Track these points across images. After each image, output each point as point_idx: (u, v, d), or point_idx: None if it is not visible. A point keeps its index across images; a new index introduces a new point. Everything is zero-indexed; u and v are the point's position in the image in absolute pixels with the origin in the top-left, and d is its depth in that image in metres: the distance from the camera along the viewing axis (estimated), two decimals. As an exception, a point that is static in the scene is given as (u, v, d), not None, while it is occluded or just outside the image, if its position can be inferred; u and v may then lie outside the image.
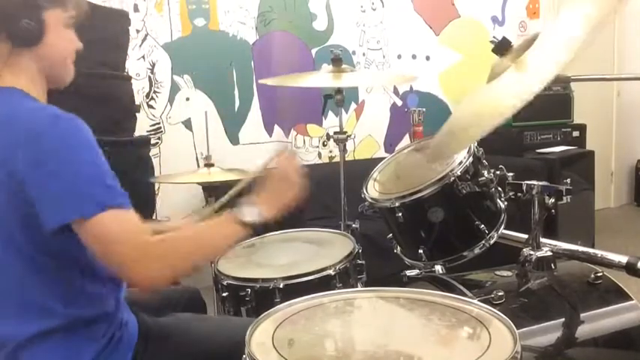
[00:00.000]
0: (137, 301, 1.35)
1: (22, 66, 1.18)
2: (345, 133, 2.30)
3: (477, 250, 1.66)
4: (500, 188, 1.71)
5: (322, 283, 1.62)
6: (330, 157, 3.89)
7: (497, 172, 1.70)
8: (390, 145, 4.08)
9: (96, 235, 1.06)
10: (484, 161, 1.69)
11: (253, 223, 1.23)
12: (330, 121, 3.75)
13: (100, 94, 2.28)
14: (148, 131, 3.29)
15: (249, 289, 1.63)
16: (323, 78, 2.26)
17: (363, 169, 1.92)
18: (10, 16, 1.14)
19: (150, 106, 3.34)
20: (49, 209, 1.05)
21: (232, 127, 3.59)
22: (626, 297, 1.53)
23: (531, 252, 1.63)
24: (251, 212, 1.24)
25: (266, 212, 1.27)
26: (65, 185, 1.05)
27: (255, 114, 3.64)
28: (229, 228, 1.22)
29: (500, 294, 1.41)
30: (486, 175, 1.65)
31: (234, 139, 3.60)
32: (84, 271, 1.17)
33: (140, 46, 3.28)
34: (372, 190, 1.79)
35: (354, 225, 2.15)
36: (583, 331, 1.48)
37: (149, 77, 3.33)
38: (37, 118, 1.09)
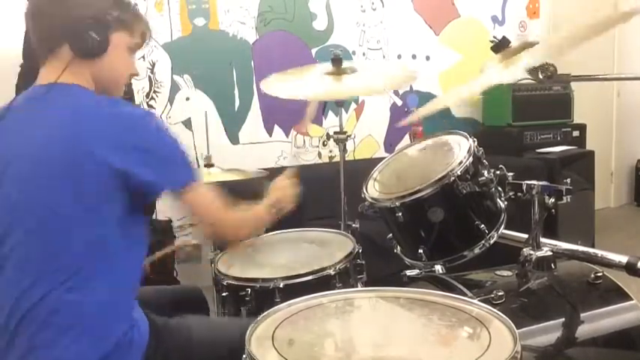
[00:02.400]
0: (145, 300, 1.35)
1: (81, 73, 1.27)
2: (345, 133, 2.30)
3: (477, 250, 1.66)
4: (500, 188, 1.71)
5: (322, 283, 1.62)
6: (330, 157, 3.89)
7: (497, 172, 1.70)
8: (390, 145, 4.08)
9: (194, 199, 1.28)
10: (484, 161, 1.69)
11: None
12: (330, 121, 3.75)
13: (100, 94, 2.29)
14: (148, 131, 3.28)
15: (249, 289, 1.63)
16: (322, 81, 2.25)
17: (363, 169, 1.92)
18: (79, 27, 1.23)
19: (150, 106, 3.34)
20: (161, 178, 1.21)
21: (232, 127, 3.59)
22: (626, 297, 1.53)
23: (531, 252, 1.63)
24: None
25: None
26: (171, 160, 1.24)
27: (255, 114, 3.64)
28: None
29: (500, 294, 1.41)
30: (486, 175, 1.65)
31: (234, 139, 3.60)
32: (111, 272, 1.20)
33: (140, 46, 3.28)
34: (372, 190, 1.79)
35: (354, 225, 2.15)
36: (583, 331, 1.48)
37: (149, 77, 3.33)
38: (128, 111, 1.24)
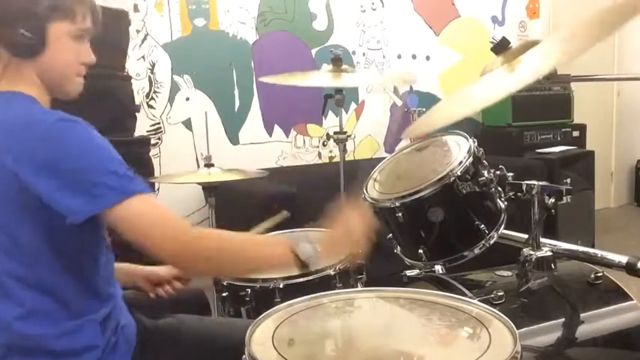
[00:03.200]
0: (136, 302, 1.34)
1: (24, 74, 1.16)
2: (345, 133, 2.30)
3: (476, 250, 1.66)
4: (500, 188, 1.71)
5: (322, 283, 1.62)
6: (330, 157, 3.89)
7: (497, 172, 1.70)
8: (390, 145, 4.08)
9: (128, 219, 1.07)
10: (484, 161, 1.70)
11: (306, 261, 1.20)
12: (330, 121, 3.75)
13: (99, 94, 2.28)
14: (148, 131, 3.28)
15: (249, 289, 1.63)
16: (323, 78, 2.26)
17: (363, 169, 1.92)
18: (8, 25, 1.11)
19: (150, 106, 3.34)
20: (73, 204, 1.05)
21: (232, 127, 3.58)
22: (626, 297, 1.53)
23: (531, 252, 1.63)
24: (308, 250, 1.20)
25: (324, 256, 1.25)
26: (88, 179, 1.06)
27: (255, 114, 3.64)
28: (281, 252, 1.20)
29: (500, 294, 1.41)
30: (486, 175, 1.65)
31: (234, 139, 3.60)
32: (76, 280, 1.16)
33: (140, 46, 3.28)
34: (372, 190, 1.79)
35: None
36: (583, 331, 1.49)
37: (149, 77, 3.33)
38: (47, 121, 1.09)
